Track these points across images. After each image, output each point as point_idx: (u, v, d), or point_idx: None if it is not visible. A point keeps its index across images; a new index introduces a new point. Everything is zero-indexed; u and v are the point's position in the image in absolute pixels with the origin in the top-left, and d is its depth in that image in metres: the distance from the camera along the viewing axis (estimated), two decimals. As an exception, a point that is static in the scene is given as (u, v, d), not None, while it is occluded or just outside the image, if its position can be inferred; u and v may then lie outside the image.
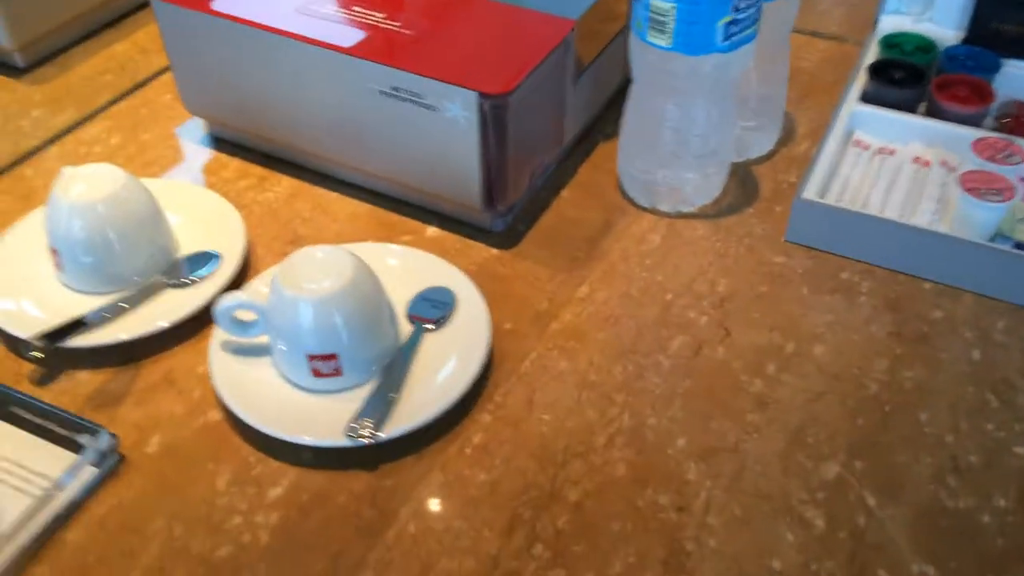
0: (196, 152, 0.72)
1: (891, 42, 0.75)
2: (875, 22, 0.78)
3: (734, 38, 0.57)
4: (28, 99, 0.77)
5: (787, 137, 0.73)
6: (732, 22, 0.56)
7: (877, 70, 0.71)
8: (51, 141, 0.73)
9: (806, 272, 0.62)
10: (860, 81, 0.72)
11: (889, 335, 0.58)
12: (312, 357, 0.51)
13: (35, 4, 0.78)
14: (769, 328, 0.58)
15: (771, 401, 0.54)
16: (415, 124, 0.60)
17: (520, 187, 0.64)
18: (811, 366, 0.56)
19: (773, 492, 0.49)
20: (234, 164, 0.71)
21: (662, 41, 0.57)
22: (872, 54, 0.75)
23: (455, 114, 0.58)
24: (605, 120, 0.74)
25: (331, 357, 0.51)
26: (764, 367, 0.56)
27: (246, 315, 0.54)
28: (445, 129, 0.59)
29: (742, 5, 0.56)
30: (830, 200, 0.65)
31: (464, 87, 0.57)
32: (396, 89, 0.59)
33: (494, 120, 0.58)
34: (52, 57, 0.82)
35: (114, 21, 0.86)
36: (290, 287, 0.50)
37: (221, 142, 0.73)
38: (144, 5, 0.88)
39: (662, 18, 0.56)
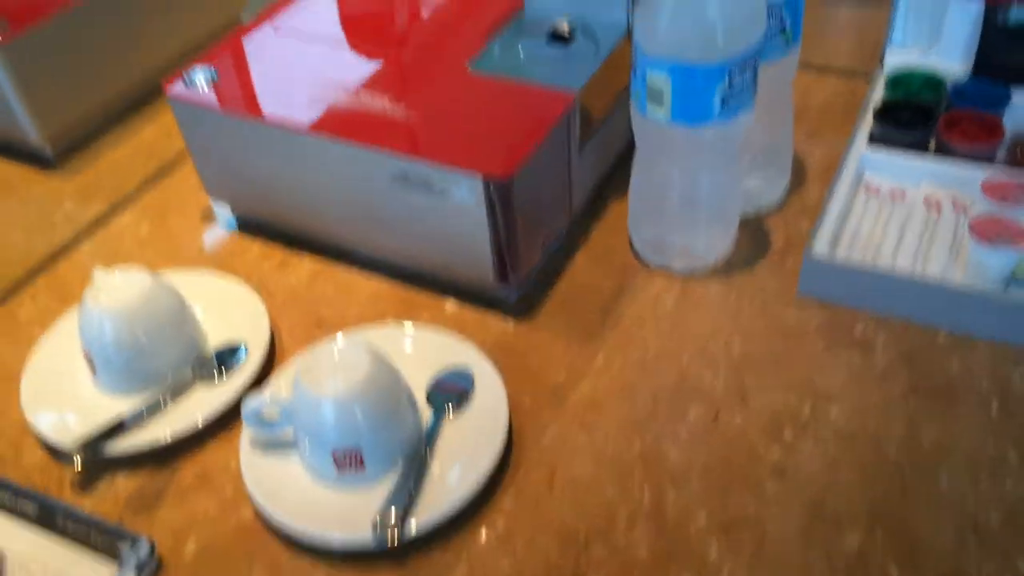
0: (221, 236, 0.75)
1: (897, 80, 0.74)
2: (881, 57, 0.78)
3: (731, 106, 0.58)
4: (60, 191, 0.81)
5: (798, 180, 0.73)
6: (728, 91, 0.57)
7: (884, 112, 0.71)
8: (83, 234, 0.76)
9: (820, 327, 0.62)
10: (867, 123, 0.72)
11: (905, 391, 0.58)
12: (335, 452, 0.53)
13: (59, 94, 0.81)
14: (785, 389, 0.59)
15: (789, 469, 0.54)
16: (426, 207, 0.62)
17: (532, 260, 0.65)
18: (828, 430, 0.56)
19: (795, 566, 0.50)
20: (257, 246, 0.73)
21: (660, 113, 0.58)
22: (879, 93, 0.75)
23: (463, 197, 0.60)
24: (615, 179, 0.75)
25: (354, 452, 0.53)
26: (781, 432, 0.56)
27: (272, 412, 0.56)
28: (455, 211, 0.61)
29: (736, 77, 0.56)
30: (842, 250, 0.65)
31: (469, 172, 0.58)
32: (405, 176, 0.61)
33: (501, 201, 0.59)
34: (81, 145, 0.85)
35: (139, 105, 0.89)
36: (310, 385, 0.52)
37: (245, 224, 0.75)
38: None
39: (659, 92, 0.57)
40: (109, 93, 0.86)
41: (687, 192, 0.63)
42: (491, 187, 0.58)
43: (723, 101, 0.57)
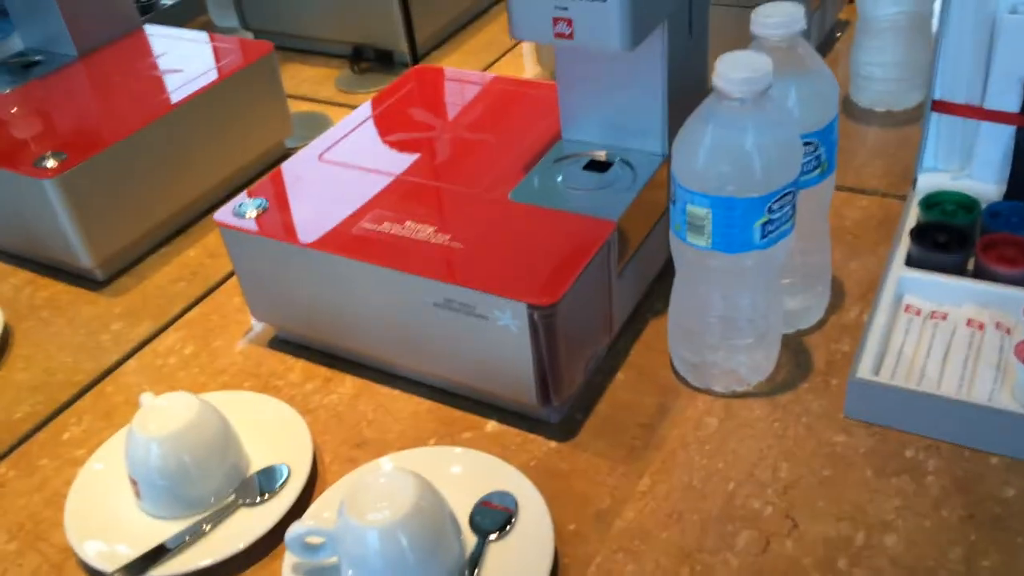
0: (264, 356, 0.76)
1: (931, 202, 0.76)
2: (914, 180, 0.80)
3: (771, 236, 0.59)
4: (108, 313, 0.82)
5: (836, 302, 0.73)
6: (768, 222, 0.58)
7: (920, 234, 0.72)
8: (130, 355, 0.78)
9: (868, 452, 0.61)
10: (904, 244, 0.73)
11: (961, 519, 0.56)
12: (381, 583, 0.52)
13: (112, 224, 0.84)
14: (837, 517, 0.57)
15: (845, 602, 0.53)
16: (469, 332, 0.63)
17: (574, 382, 0.65)
18: (883, 559, 0.55)
19: None
20: (299, 366, 0.74)
21: (701, 242, 0.60)
22: (913, 215, 0.76)
23: (506, 323, 0.61)
24: (653, 297, 0.76)
25: (399, 582, 0.52)
26: (835, 562, 0.55)
27: (315, 540, 0.55)
28: (498, 336, 0.62)
29: (776, 206, 0.58)
30: (885, 373, 0.65)
31: (513, 299, 0.59)
32: (449, 301, 0.62)
33: (544, 327, 0.60)
34: (129, 268, 0.87)
35: (184, 228, 0.92)
36: (356, 516, 0.52)
37: (287, 344, 0.76)
38: (211, 209, 0.94)
39: (699, 222, 0.59)
40: (157, 219, 0.89)
41: (728, 315, 0.64)
42: (535, 314, 0.59)
43: (764, 230, 0.58)
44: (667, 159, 0.71)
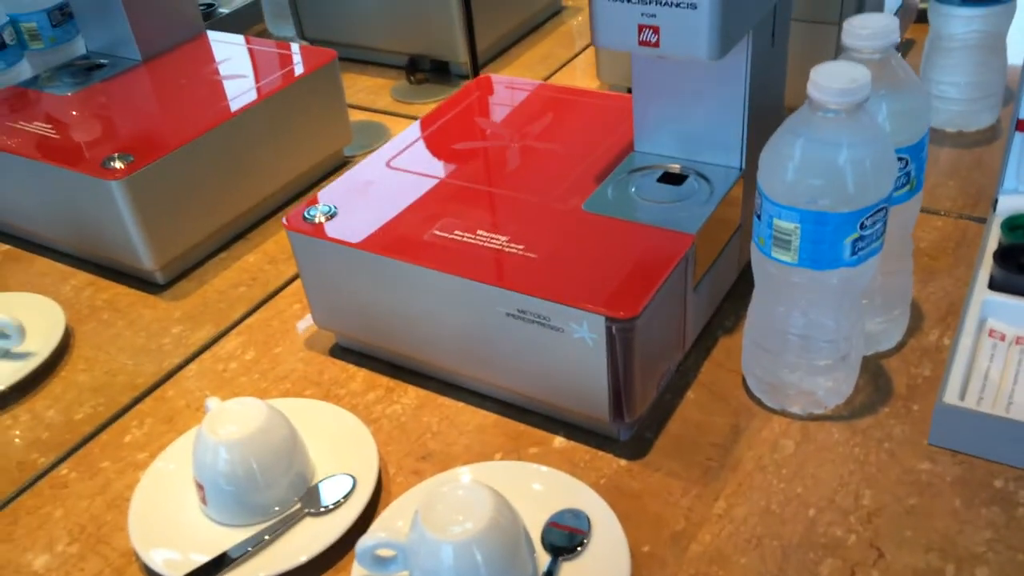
0: (325, 364, 0.75)
1: (1013, 224, 0.73)
2: (994, 202, 0.77)
3: (861, 253, 0.57)
4: (169, 316, 0.82)
5: (914, 325, 0.71)
6: (859, 238, 0.56)
7: (1004, 257, 0.70)
8: (191, 359, 0.77)
9: (955, 480, 0.59)
10: (986, 267, 0.71)
11: (1059, 554, 0.54)
12: (455, 600, 0.50)
13: (174, 228, 0.84)
14: (925, 548, 0.55)
15: (939, 637, 0.50)
16: (542, 344, 0.61)
17: (647, 399, 0.64)
18: (977, 594, 0.52)
19: None
20: (361, 375, 0.73)
21: (787, 258, 0.58)
22: (994, 237, 0.74)
23: (582, 336, 0.59)
24: (723, 314, 0.74)
25: (474, 599, 0.50)
26: (925, 595, 0.53)
27: (386, 552, 0.54)
28: (572, 349, 0.60)
29: (868, 222, 0.56)
30: (971, 399, 0.62)
31: (591, 311, 0.58)
32: (523, 312, 0.61)
33: (622, 341, 0.58)
34: (189, 272, 0.87)
35: (244, 233, 0.92)
36: (432, 529, 0.50)
37: (348, 352, 0.75)
38: (271, 215, 0.94)
39: (786, 237, 0.57)
40: (219, 223, 0.89)
41: (808, 335, 0.62)
42: (614, 327, 0.58)
43: (854, 248, 0.56)
44: (743, 173, 0.69)
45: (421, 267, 0.64)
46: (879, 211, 0.56)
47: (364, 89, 1.19)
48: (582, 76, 1.18)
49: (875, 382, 0.67)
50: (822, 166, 0.55)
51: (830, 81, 0.54)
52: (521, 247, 0.64)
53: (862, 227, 0.56)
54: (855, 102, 0.53)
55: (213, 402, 0.61)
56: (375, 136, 1.08)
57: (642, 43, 0.61)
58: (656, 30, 0.60)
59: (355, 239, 0.67)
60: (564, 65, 1.21)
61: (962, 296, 0.73)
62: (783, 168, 0.56)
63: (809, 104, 0.55)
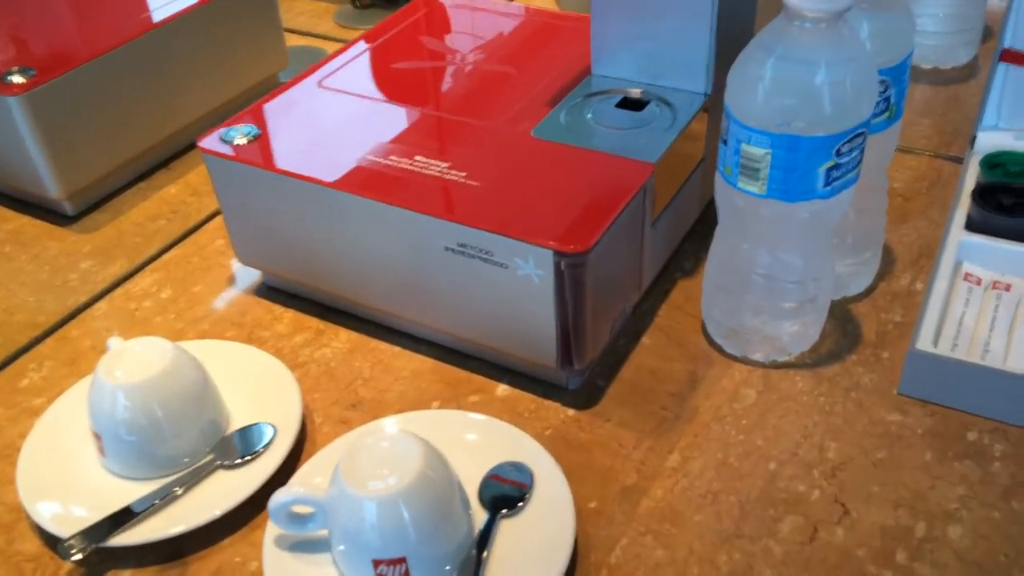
0: (249, 304, 0.68)
1: (993, 162, 0.69)
2: (972, 139, 0.72)
3: (836, 183, 0.52)
4: (77, 250, 0.74)
5: (885, 269, 0.66)
6: (834, 167, 0.51)
7: (983, 196, 0.65)
8: (99, 296, 0.70)
9: (927, 433, 0.55)
10: (964, 207, 0.66)
11: (1035, 512, 0.50)
12: (377, 562, 0.45)
13: (84, 152, 0.76)
14: (893, 504, 0.51)
15: (907, 601, 0.46)
16: (484, 281, 0.55)
17: (599, 343, 0.58)
18: (948, 553, 0.48)
19: None
20: (288, 316, 0.67)
21: (755, 188, 0.52)
22: (972, 175, 0.69)
23: (528, 272, 0.53)
24: (683, 255, 0.69)
25: (399, 561, 0.45)
26: (893, 554, 0.48)
27: (303, 509, 0.48)
28: (517, 287, 0.54)
29: (845, 148, 0.50)
30: (944, 346, 0.58)
31: (538, 245, 0.52)
32: (463, 246, 0.55)
33: (571, 278, 0.53)
34: (103, 203, 0.79)
35: (165, 162, 0.84)
36: (353, 484, 0.45)
37: (275, 291, 0.69)
38: (194, 145, 0.86)
39: (755, 165, 0.51)
40: (135, 149, 0.81)
41: (775, 276, 0.57)
42: (563, 262, 0.52)
43: (828, 177, 0.51)
44: (709, 99, 0.63)
45: (352, 195, 0.58)
46: (857, 136, 0.51)
47: (305, 13, 1.11)
48: (540, 2, 1.11)
49: (843, 328, 0.62)
50: (797, 84, 0.49)
51: (809, -14, 0.48)
52: (463, 175, 0.58)
53: (838, 154, 0.50)
54: (836, 10, 0.48)
55: (115, 342, 0.55)
56: (314, 61, 0.99)
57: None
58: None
59: (279, 163, 0.60)
60: (522, -7, 1.13)
61: (936, 238, 0.69)
62: (753, 86, 0.50)
63: (784, 13, 0.49)
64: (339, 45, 1.02)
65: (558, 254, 0.52)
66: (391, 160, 0.60)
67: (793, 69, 0.49)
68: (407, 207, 0.56)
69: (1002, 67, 0.70)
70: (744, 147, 0.51)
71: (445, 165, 0.59)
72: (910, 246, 0.69)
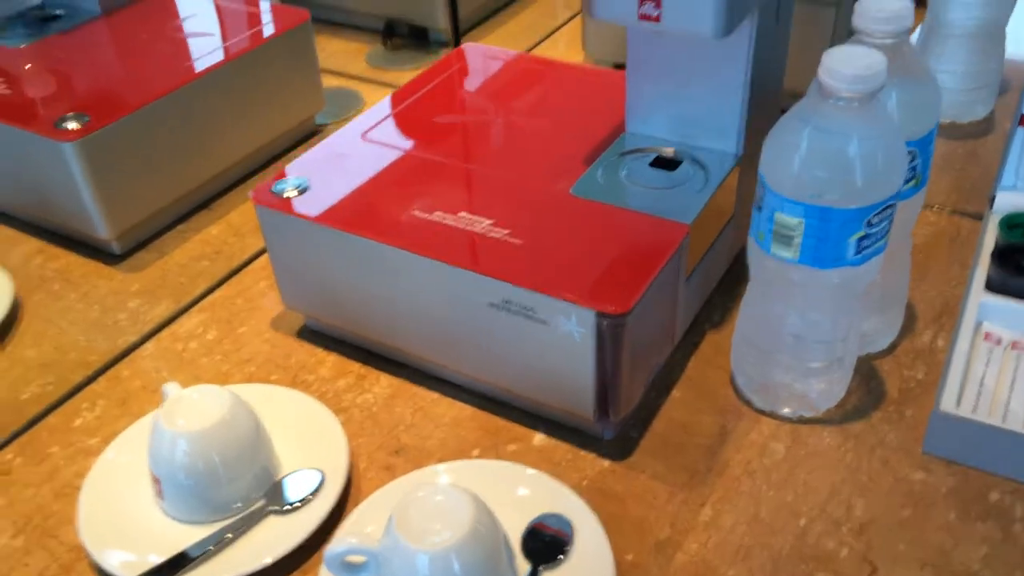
0: (292, 347, 0.70)
1: (1012, 223, 0.71)
2: (991, 198, 0.75)
3: (866, 251, 0.54)
4: (125, 289, 0.77)
5: (907, 325, 0.69)
6: (865, 236, 0.53)
7: (1002, 257, 0.68)
8: (148, 336, 0.72)
9: (950, 492, 0.57)
10: (983, 267, 0.68)
11: (1056, 573, 0.52)
12: (429, 612, 0.47)
13: (132, 195, 0.79)
14: (920, 563, 0.53)
15: (934, 659, 0.48)
16: (525, 336, 0.58)
17: (634, 397, 0.61)
18: (972, 612, 0.50)
19: None
20: (331, 360, 0.69)
21: (787, 254, 0.55)
22: (991, 235, 0.71)
23: (569, 330, 0.56)
24: (711, 308, 0.71)
25: (449, 611, 0.47)
26: (919, 613, 0.51)
27: (357, 558, 0.50)
28: (557, 343, 0.57)
29: (876, 219, 0.53)
30: (966, 407, 0.60)
31: (580, 305, 0.54)
32: (507, 302, 0.57)
33: (611, 337, 0.55)
34: (147, 242, 0.82)
35: (207, 202, 0.87)
36: (407, 536, 0.47)
37: (317, 335, 0.71)
38: (235, 184, 0.89)
39: (789, 233, 0.54)
40: (179, 191, 0.83)
41: (803, 335, 0.59)
42: (604, 322, 0.54)
43: (859, 245, 0.53)
44: (740, 160, 0.66)
45: (400, 249, 0.60)
46: (887, 208, 0.53)
47: (337, 52, 1.14)
48: (567, 49, 1.14)
49: (867, 384, 0.65)
50: (831, 158, 0.52)
51: (845, 66, 0.50)
52: (507, 232, 0.60)
53: (869, 224, 0.53)
54: (870, 90, 0.50)
55: (172, 388, 0.57)
56: (349, 104, 1.02)
57: (642, 16, 0.57)
58: (658, 3, 0.56)
59: (329, 217, 0.63)
60: (548, 36, 1.16)
61: (956, 296, 0.71)
62: (789, 158, 0.53)
63: (819, 90, 0.52)
64: (370, 86, 1.05)
65: (600, 314, 0.54)
66: (436, 215, 0.62)
67: (827, 144, 0.52)
68: (454, 263, 0.58)
69: (1021, 131, 0.73)
70: (778, 216, 0.54)
71: (489, 222, 0.61)
72: (931, 302, 0.71)
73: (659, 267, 0.57)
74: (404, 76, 1.08)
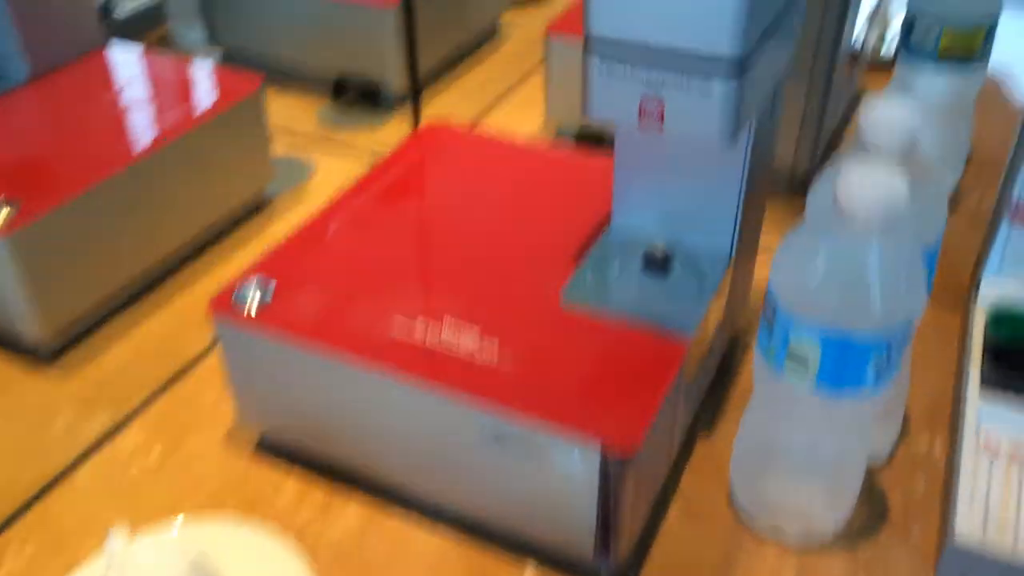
0: (248, 468, 0.63)
1: (1000, 319, 0.69)
2: (975, 286, 0.73)
3: (884, 376, 0.51)
4: (55, 402, 0.68)
5: (901, 429, 0.66)
6: (884, 362, 0.50)
7: (995, 357, 0.65)
8: (82, 457, 0.64)
9: (969, 625, 0.54)
10: (975, 365, 0.66)
11: None
12: None
13: (67, 288, 0.71)
14: None
15: None
16: (518, 470, 0.53)
17: (635, 531, 0.56)
18: None
19: None
20: (291, 484, 0.62)
21: (803, 380, 0.51)
22: (979, 330, 0.69)
23: (570, 464, 0.51)
24: (700, 418, 0.67)
25: None
26: None
27: None
28: (555, 477, 0.52)
29: (895, 346, 0.49)
30: (976, 529, 0.57)
31: (583, 440, 0.50)
32: (500, 436, 0.52)
33: (616, 476, 0.50)
34: (81, 338, 0.74)
35: (147, 288, 0.79)
36: None
37: (276, 449, 0.64)
38: (182, 264, 0.81)
39: (804, 358, 0.50)
40: (121, 280, 0.76)
41: (811, 457, 0.56)
42: (609, 464, 0.50)
43: (877, 372, 0.50)
44: (733, 260, 0.62)
45: (383, 377, 0.54)
46: (908, 329, 0.50)
47: (286, 108, 1.06)
48: (527, 109, 1.09)
49: (870, 500, 0.61)
50: (851, 282, 0.48)
51: (867, 190, 0.47)
52: (490, 347, 0.55)
53: (889, 348, 0.49)
54: (893, 216, 0.47)
55: (117, 542, 0.50)
56: (299, 173, 0.96)
57: (643, 119, 0.52)
58: (661, 108, 0.52)
59: (301, 333, 0.57)
60: (506, 93, 1.12)
61: (945, 391, 0.69)
62: (807, 277, 0.49)
63: (837, 212, 0.48)
64: (322, 149, 0.99)
65: (605, 449, 0.49)
66: (418, 327, 0.57)
67: (849, 265, 0.48)
68: (442, 391, 0.53)
69: (1006, 222, 0.71)
70: (793, 339, 0.50)
71: (475, 336, 0.56)
72: (921, 400, 0.68)
73: (664, 392, 0.53)
74: (358, 137, 1.02)
